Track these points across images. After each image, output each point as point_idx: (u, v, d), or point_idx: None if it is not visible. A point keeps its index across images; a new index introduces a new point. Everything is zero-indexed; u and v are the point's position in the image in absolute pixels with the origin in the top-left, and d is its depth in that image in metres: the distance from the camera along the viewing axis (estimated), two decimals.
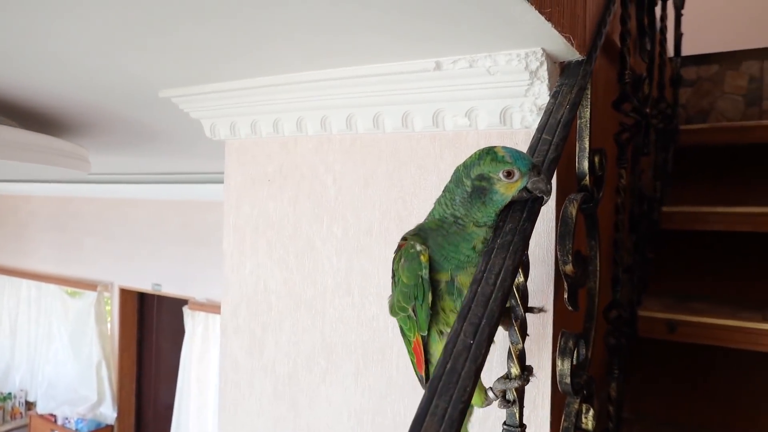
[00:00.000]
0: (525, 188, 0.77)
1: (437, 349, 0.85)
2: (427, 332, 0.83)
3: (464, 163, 0.81)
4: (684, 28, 2.28)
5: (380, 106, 1.21)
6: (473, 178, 0.78)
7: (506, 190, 0.76)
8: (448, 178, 0.84)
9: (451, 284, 0.81)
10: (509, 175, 0.76)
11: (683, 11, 2.23)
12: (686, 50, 2.35)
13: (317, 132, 1.34)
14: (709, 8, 2.76)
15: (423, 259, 0.80)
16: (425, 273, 0.80)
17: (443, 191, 0.84)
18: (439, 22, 0.90)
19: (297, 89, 1.29)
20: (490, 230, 0.80)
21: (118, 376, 6.10)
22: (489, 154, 0.77)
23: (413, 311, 0.83)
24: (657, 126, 1.94)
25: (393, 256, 0.86)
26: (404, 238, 0.84)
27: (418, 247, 0.81)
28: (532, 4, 0.77)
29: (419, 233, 0.84)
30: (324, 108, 1.29)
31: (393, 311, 0.87)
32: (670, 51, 2.21)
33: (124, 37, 1.08)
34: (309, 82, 1.25)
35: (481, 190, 0.77)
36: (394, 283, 0.85)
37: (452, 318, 0.82)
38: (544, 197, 0.78)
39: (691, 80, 2.73)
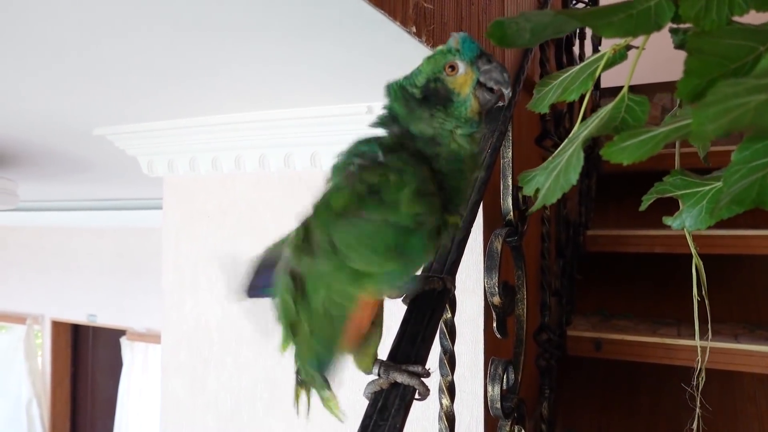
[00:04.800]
0: (479, 83, 0.62)
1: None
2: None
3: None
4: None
5: (317, 145, 1.26)
6: (420, 85, 0.63)
7: (460, 87, 0.62)
8: None
9: None
10: (452, 68, 0.62)
11: (600, 48, 2.41)
12: (606, 83, 2.53)
13: (255, 170, 1.37)
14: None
15: None
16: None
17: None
18: (367, 75, 0.96)
19: (235, 129, 1.32)
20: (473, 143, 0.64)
21: (51, 415, 5.76)
22: (430, 56, 0.64)
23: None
24: None
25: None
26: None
27: None
28: None
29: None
30: (262, 147, 1.33)
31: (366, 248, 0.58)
32: None
33: (55, 80, 1.09)
34: (247, 122, 1.28)
35: (436, 93, 0.62)
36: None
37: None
38: (504, 93, 0.63)
39: None
